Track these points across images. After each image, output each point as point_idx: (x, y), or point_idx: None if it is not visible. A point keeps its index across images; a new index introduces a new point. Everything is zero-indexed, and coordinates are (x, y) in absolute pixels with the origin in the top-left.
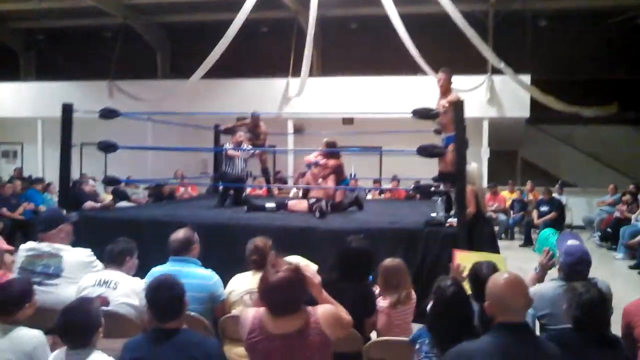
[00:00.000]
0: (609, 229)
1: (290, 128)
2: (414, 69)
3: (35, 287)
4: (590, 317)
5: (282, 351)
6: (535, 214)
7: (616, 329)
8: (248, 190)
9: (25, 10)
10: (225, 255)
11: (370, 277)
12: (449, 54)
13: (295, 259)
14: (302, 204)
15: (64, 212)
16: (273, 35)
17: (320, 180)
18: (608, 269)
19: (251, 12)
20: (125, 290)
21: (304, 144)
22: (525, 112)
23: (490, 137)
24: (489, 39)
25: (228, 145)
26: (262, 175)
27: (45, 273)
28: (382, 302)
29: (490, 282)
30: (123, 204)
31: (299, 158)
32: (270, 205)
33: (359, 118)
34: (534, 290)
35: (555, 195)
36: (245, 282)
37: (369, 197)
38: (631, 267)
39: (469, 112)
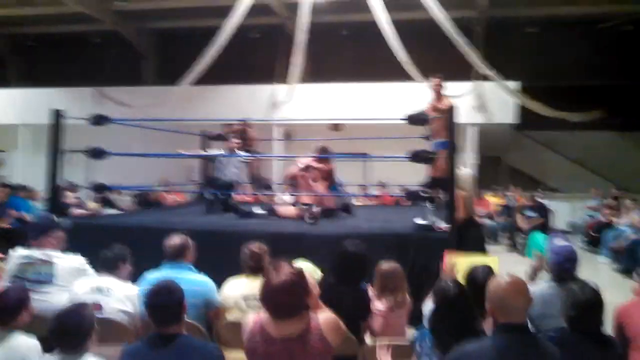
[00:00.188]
0: (593, 233)
1: (277, 134)
2: (403, 76)
3: None
4: (585, 316)
5: (283, 355)
6: (520, 218)
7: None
8: (235, 196)
9: (13, 16)
10: (216, 261)
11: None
12: (437, 60)
13: (302, 265)
14: (292, 210)
15: (55, 218)
16: (262, 42)
17: (311, 182)
18: (593, 272)
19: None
20: (119, 297)
21: (291, 150)
22: (511, 118)
23: (477, 143)
24: (478, 46)
25: (221, 152)
26: (250, 182)
27: (37, 280)
28: (378, 305)
29: (492, 284)
30: (109, 210)
31: (286, 165)
32: (260, 211)
33: (347, 124)
34: None
35: (539, 200)
36: (240, 287)
37: (356, 203)
38: (615, 270)
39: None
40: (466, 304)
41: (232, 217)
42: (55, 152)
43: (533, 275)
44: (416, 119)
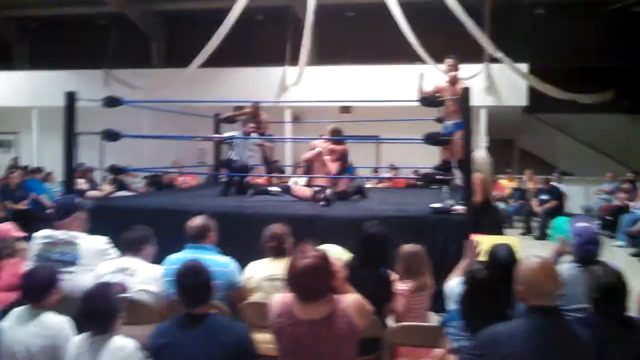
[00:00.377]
0: (608, 217)
1: (287, 117)
2: (412, 58)
3: None
4: (609, 299)
5: (309, 337)
6: (535, 202)
7: None
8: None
9: None
10: (233, 243)
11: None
12: (446, 42)
13: (330, 248)
14: (306, 191)
15: (78, 200)
16: (269, 24)
17: (328, 163)
18: (608, 256)
19: None
20: (144, 278)
21: (302, 133)
22: (522, 100)
23: (487, 126)
24: (485, 27)
25: (237, 134)
26: (262, 165)
27: (61, 260)
28: (401, 286)
29: (523, 266)
30: (122, 193)
31: (297, 147)
32: (274, 189)
33: (357, 107)
34: None
35: (554, 183)
36: (263, 269)
37: (368, 185)
38: (632, 255)
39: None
40: (496, 286)
41: (247, 199)
42: (70, 135)
43: (555, 259)
44: (430, 101)
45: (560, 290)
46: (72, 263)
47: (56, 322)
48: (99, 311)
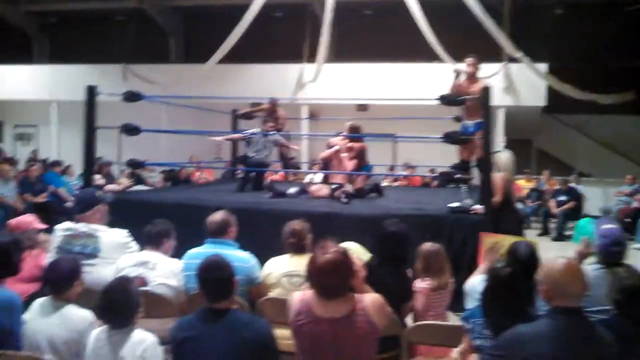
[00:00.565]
0: (627, 219)
1: (304, 114)
2: (429, 56)
3: None
4: (633, 301)
5: (329, 335)
6: (552, 203)
7: None
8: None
9: None
10: (251, 239)
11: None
12: (464, 40)
13: (350, 247)
14: (324, 190)
15: (99, 193)
16: (287, 21)
17: (344, 158)
18: (628, 258)
19: None
20: (164, 271)
21: (318, 130)
22: (541, 100)
23: (506, 126)
24: (504, 27)
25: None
26: (279, 161)
27: (82, 253)
28: (421, 283)
29: (547, 267)
30: (139, 187)
31: (313, 144)
32: (292, 190)
33: (374, 105)
34: None
35: (572, 184)
36: (282, 265)
37: (384, 183)
38: None
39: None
40: (518, 284)
41: (265, 195)
42: (90, 128)
43: (579, 260)
44: (450, 100)
45: (586, 291)
46: (93, 256)
47: (78, 315)
48: (119, 305)
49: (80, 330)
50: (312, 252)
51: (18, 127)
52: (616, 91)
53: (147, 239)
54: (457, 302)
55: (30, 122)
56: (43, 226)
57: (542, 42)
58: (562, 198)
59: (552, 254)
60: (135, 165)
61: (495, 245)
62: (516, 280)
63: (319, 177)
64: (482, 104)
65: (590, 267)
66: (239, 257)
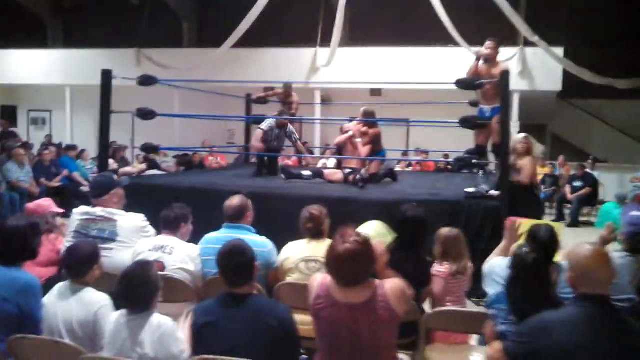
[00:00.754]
0: None
1: (317, 98)
2: (444, 40)
3: None
4: None
5: (348, 321)
6: (568, 189)
7: None
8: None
9: None
10: (267, 224)
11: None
12: (478, 24)
13: (374, 227)
14: (338, 174)
15: (115, 177)
16: (300, 4)
17: (358, 144)
18: None
19: None
20: (181, 256)
21: (331, 114)
22: (557, 85)
23: (520, 111)
24: (521, 10)
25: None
26: (292, 145)
27: (100, 237)
28: (440, 268)
29: (574, 253)
30: (154, 172)
31: (326, 129)
32: (307, 173)
33: (387, 89)
34: None
35: (588, 170)
36: (300, 250)
37: (397, 168)
38: None
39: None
40: (544, 271)
41: (279, 179)
42: (106, 113)
43: (601, 246)
44: (467, 84)
45: (614, 279)
46: (111, 240)
47: (97, 299)
48: (138, 289)
49: (98, 314)
50: (330, 237)
51: (32, 112)
52: (632, 76)
53: (164, 223)
54: (474, 287)
55: (44, 107)
56: (60, 210)
57: (557, 26)
58: (578, 184)
59: (567, 241)
60: (149, 149)
61: (516, 226)
62: (541, 266)
63: (331, 162)
64: (501, 88)
65: (616, 254)
66: (257, 242)
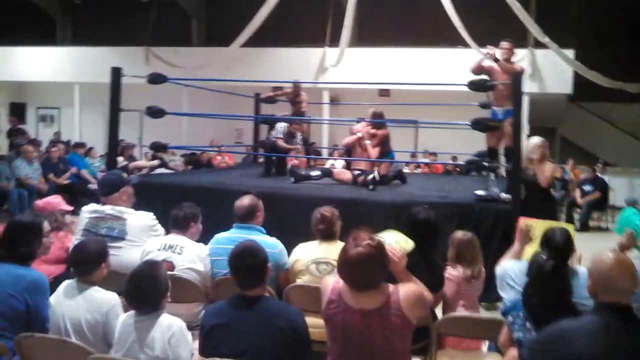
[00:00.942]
0: None
1: (325, 98)
2: (452, 41)
3: None
4: None
5: (360, 326)
6: (577, 193)
7: None
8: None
9: None
10: (276, 225)
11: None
12: (488, 26)
13: (391, 235)
14: (347, 173)
15: (125, 174)
16: (309, 4)
17: (367, 145)
18: None
19: None
20: (190, 256)
21: (339, 115)
22: (567, 88)
23: (530, 114)
24: (531, 12)
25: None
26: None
27: (109, 235)
28: (453, 271)
29: (596, 260)
30: (161, 170)
31: (334, 129)
32: (315, 173)
33: (396, 90)
34: None
35: (598, 174)
36: (311, 252)
37: (405, 170)
38: None
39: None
40: (563, 278)
41: (287, 180)
42: (115, 110)
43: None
44: (479, 85)
45: (637, 287)
46: (120, 238)
47: (104, 298)
48: (147, 290)
49: (106, 313)
50: (342, 239)
51: (41, 109)
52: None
53: (174, 223)
54: (485, 290)
55: (53, 104)
56: (69, 208)
57: (568, 28)
58: (588, 188)
59: (577, 245)
60: (158, 148)
61: (528, 228)
62: (559, 273)
63: (339, 163)
64: (513, 89)
65: (636, 262)
66: (267, 243)
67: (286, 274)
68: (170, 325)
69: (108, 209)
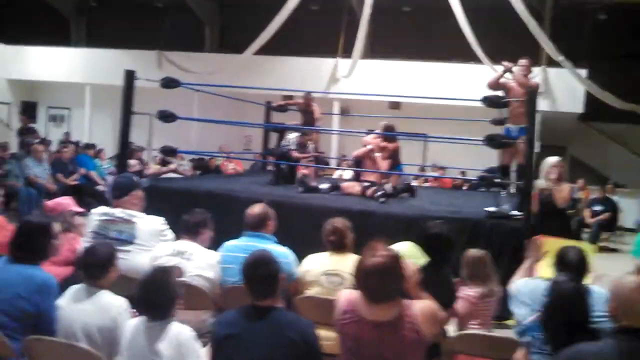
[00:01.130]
0: None
1: (336, 109)
2: (464, 56)
3: None
4: None
5: (373, 338)
6: (587, 212)
7: None
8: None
9: None
10: (285, 234)
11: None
12: (500, 43)
13: (405, 248)
14: (356, 187)
15: (135, 178)
16: (323, 14)
17: (377, 158)
18: None
19: None
20: (200, 263)
21: (349, 126)
22: (578, 106)
23: (541, 131)
24: (545, 30)
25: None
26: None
27: (118, 239)
28: (468, 291)
29: (617, 284)
30: (169, 175)
31: (344, 140)
32: (324, 186)
33: (406, 103)
34: None
35: (608, 195)
36: (321, 263)
37: (414, 183)
38: None
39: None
40: (582, 300)
41: (295, 189)
42: (127, 113)
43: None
44: (493, 101)
45: None
46: (129, 242)
47: (113, 302)
48: (158, 297)
49: (115, 317)
50: (354, 251)
51: (51, 109)
52: None
53: (184, 228)
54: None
55: (64, 104)
56: (80, 209)
57: (581, 47)
58: (598, 208)
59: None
60: (168, 152)
61: (540, 244)
62: (580, 295)
63: (347, 173)
64: (528, 105)
65: None
66: (278, 252)
67: (296, 284)
68: (180, 332)
69: (118, 212)
